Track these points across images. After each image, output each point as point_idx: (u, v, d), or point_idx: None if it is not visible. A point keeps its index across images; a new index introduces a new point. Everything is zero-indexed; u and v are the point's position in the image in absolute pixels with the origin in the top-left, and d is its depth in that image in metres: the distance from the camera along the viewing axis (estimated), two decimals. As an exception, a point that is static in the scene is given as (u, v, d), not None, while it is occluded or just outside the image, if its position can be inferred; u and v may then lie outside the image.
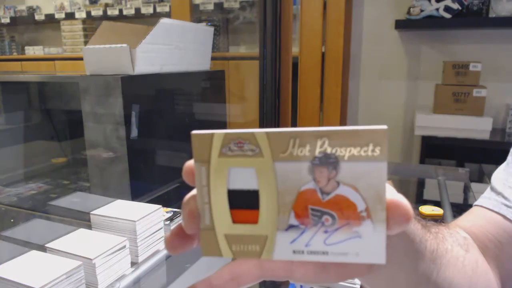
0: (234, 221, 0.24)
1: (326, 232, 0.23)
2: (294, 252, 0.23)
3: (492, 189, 0.49)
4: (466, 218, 0.48)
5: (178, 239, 0.26)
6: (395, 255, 0.28)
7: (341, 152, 0.22)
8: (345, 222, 0.22)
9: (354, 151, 0.21)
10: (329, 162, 0.22)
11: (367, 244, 0.22)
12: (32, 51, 3.52)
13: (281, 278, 0.27)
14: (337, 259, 0.23)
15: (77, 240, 0.68)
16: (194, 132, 0.23)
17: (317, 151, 0.22)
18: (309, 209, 0.23)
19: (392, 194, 0.22)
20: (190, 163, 0.25)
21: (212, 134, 0.23)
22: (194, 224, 0.24)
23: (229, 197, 0.24)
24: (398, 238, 0.27)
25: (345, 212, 0.22)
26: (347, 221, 0.22)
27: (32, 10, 3.50)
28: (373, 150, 0.21)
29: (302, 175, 0.22)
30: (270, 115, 1.81)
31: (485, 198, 0.48)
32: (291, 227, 0.23)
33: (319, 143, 0.22)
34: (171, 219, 0.81)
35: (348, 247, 0.22)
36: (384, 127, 0.21)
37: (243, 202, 0.24)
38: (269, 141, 0.22)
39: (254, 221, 0.23)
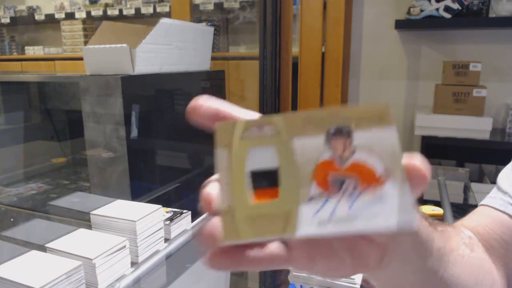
0: (255, 200, 0.24)
1: (349, 198, 0.23)
2: (319, 224, 0.23)
3: (499, 188, 0.49)
4: (471, 218, 0.48)
5: (223, 256, 0.24)
6: (403, 251, 0.28)
7: (353, 123, 0.23)
8: (366, 186, 0.23)
9: (364, 122, 0.23)
10: (343, 132, 0.23)
11: (393, 208, 0.22)
12: (32, 51, 3.52)
13: (304, 267, 0.27)
14: (365, 228, 0.23)
15: (77, 240, 0.68)
16: (219, 122, 0.25)
17: (332, 126, 0.24)
18: (330, 177, 0.23)
19: (408, 157, 0.23)
20: (208, 190, 0.24)
21: (235, 122, 0.24)
22: (210, 205, 0.24)
23: (250, 178, 0.24)
24: (406, 235, 0.28)
25: (365, 176, 0.23)
26: (368, 184, 0.23)
27: (32, 10, 3.50)
28: (379, 119, 0.23)
29: (319, 146, 0.24)
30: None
31: (491, 198, 0.48)
32: (313, 197, 0.23)
33: (332, 119, 0.24)
34: (171, 219, 0.81)
35: (373, 213, 0.23)
36: (385, 105, 0.24)
37: (264, 181, 0.24)
38: (286, 122, 0.24)
39: (275, 196, 0.24)
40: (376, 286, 0.33)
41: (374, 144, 0.23)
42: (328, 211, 0.23)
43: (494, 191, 0.49)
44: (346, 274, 0.28)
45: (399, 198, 0.22)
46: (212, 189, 0.24)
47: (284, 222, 0.23)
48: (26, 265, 0.59)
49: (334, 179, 0.23)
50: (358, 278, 0.69)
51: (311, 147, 0.24)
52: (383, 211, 0.23)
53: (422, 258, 0.31)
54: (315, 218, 0.23)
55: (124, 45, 1.03)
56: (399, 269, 0.30)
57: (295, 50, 1.92)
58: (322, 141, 0.24)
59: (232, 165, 0.24)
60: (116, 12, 3.07)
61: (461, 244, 0.38)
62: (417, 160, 0.23)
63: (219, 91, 1.51)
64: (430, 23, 1.84)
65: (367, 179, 0.23)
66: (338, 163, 0.23)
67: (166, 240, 0.79)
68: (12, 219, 1.05)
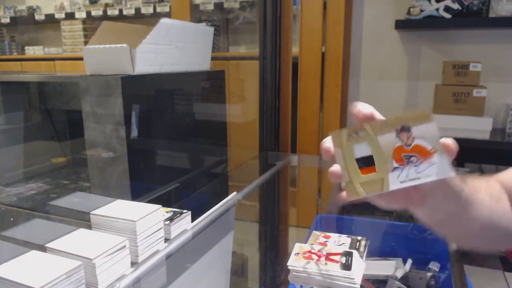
0: (363, 173, 0.42)
1: (415, 166, 0.41)
2: (401, 182, 0.42)
3: None
4: (506, 172, 0.58)
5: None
6: (437, 197, 0.45)
7: (410, 123, 0.41)
8: (424, 157, 0.41)
9: (416, 121, 0.41)
10: (406, 129, 0.41)
11: (439, 167, 0.41)
12: (32, 51, 3.52)
13: (372, 201, 0.45)
14: (426, 180, 0.41)
15: (77, 240, 0.68)
16: (332, 132, 0.43)
17: (398, 126, 0.41)
18: (402, 156, 0.42)
19: (444, 139, 0.41)
20: (326, 144, 0.44)
21: (342, 130, 0.42)
22: (328, 153, 0.43)
23: (357, 162, 0.43)
24: (440, 186, 0.43)
25: (421, 152, 0.41)
26: (425, 156, 0.41)
27: (32, 10, 3.50)
28: (425, 118, 0.41)
29: (394, 139, 0.42)
30: (270, 115, 1.81)
31: None
32: (395, 168, 0.42)
33: (397, 122, 0.41)
34: (171, 219, 0.81)
35: (430, 171, 0.41)
36: (427, 109, 0.42)
37: (365, 163, 0.42)
38: (372, 127, 0.42)
39: (374, 171, 0.42)
40: (418, 217, 0.49)
41: (424, 133, 0.41)
42: (405, 175, 0.42)
43: None
44: (399, 206, 0.46)
45: (442, 162, 0.41)
46: (328, 143, 0.43)
47: (381, 184, 0.42)
48: (26, 265, 0.59)
49: (405, 156, 0.42)
50: (358, 278, 0.69)
51: (389, 140, 0.42)
52: (434, 170, 0.41)
53: (452, 202, 0.46)
54: (398, 179, 0.42)
55: (124, 45, 1.03)
56: (434, 209, 0.47)
57: (295, 50, 1.92)
58: (394, 136, 0.42)
59: (345, 157, 0.43)
60: (116, 12, 3.07)
61: (488, 196, 0.51)
62: (449, 140, 0.41)
63: (219, 91, 1.51)
64: (430, 23, 1.84)
65: (423, 154, 0.41)
66: (405, 147, 0.41)
67: (166, 240, 0.79)
68: (12, 219, 1.05)
